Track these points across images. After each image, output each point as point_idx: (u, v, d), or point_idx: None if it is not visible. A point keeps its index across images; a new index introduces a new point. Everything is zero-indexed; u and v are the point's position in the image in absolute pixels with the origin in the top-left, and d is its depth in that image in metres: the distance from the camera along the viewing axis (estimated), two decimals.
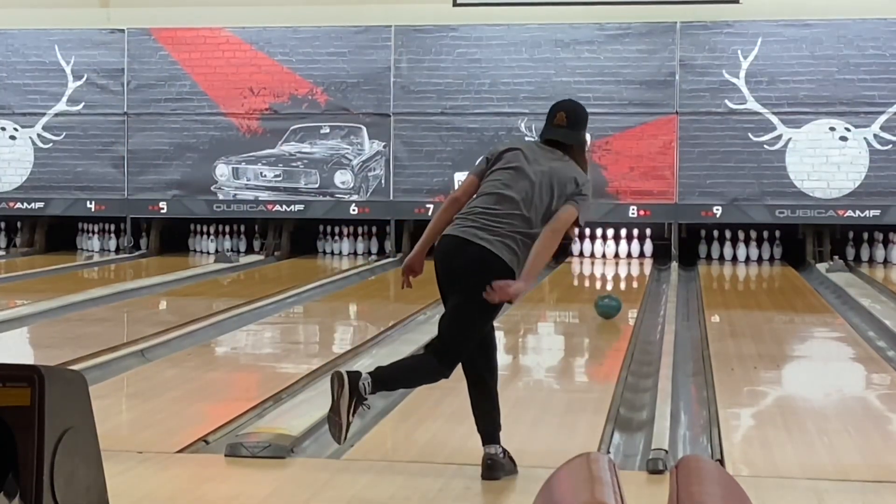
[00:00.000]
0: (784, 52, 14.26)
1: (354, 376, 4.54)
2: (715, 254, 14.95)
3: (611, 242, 15.01)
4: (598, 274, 13.93)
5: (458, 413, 5.32)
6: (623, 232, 14.99)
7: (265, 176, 15.19)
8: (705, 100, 14.40)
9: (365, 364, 7.24)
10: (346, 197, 15.05)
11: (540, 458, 4.94)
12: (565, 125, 4.88)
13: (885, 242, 14.57)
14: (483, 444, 4.74)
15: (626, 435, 5.78)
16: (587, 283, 13.60)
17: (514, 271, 4.65)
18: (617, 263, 14.64)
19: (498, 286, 4.56)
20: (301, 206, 15.12)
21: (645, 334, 8.97)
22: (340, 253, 15.44)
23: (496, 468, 4.71)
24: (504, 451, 4.76)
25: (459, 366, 4.77)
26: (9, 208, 15.77)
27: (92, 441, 2.57)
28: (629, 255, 14.88)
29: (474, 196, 4.83)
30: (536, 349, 8.51)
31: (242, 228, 15.87)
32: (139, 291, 11.39)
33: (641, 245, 15.00)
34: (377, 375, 4.61)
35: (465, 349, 4.69)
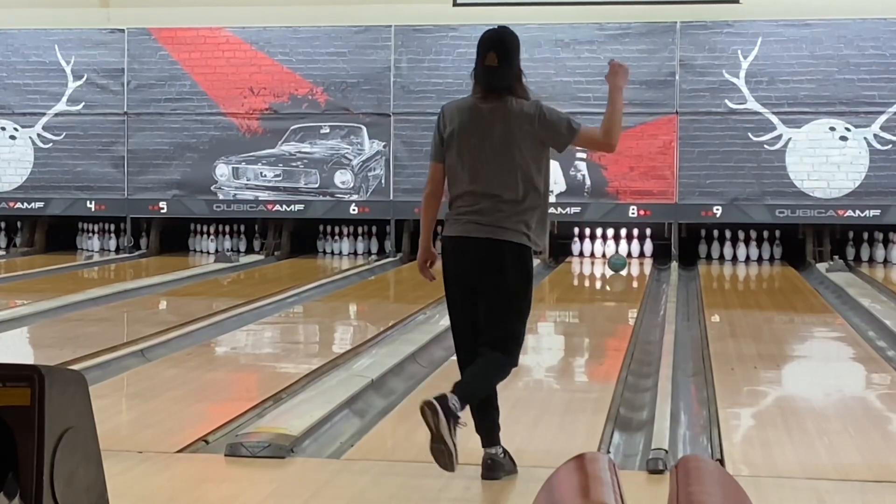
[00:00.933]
0: (784, 52, 14.25)
1: (443, 399, 4.44)
2: (715, 254, 14.94)
3: (611, 242, 15.00)
4: (598, 274, 13.92)
5: None
6: (623, 232, 14.98)
7: (265, 176, 15.19)
8: (705, 100, 14.40)
9: (365, 364, 7.25)
10: (346, 197, 15.05)
11: (540, 458, 4.94)
12: (497, 64, 4.78)
13: (885, 242, 14.57)
14: (483, 445, 4.74)
15: (626, 435, 5.78)
16: (587, 283, 13.60)
17: (526, 246, 4.67)
18: None
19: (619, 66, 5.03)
20: (301, 206, 15.11)
21: (645, 334, 8.97)
22: (340, 253, 15.44)
23: (496, 468, 4.71)
24: (504, 451, 4.75)
25: (459, 368, 4.78)
26: (9, 208, 15.77)
27: (92, 441, 2.57)
28: (629, 255, 14.86)
29: (449, 184, 4.79)
30: (536, 349, 8.51)
31: (242, 228, 15.86)
32: (139, 291, 11.39)
33: (641, 245, 15.00)
34: (460, 391, 4.52)
35: (523, 335, 4.74)
